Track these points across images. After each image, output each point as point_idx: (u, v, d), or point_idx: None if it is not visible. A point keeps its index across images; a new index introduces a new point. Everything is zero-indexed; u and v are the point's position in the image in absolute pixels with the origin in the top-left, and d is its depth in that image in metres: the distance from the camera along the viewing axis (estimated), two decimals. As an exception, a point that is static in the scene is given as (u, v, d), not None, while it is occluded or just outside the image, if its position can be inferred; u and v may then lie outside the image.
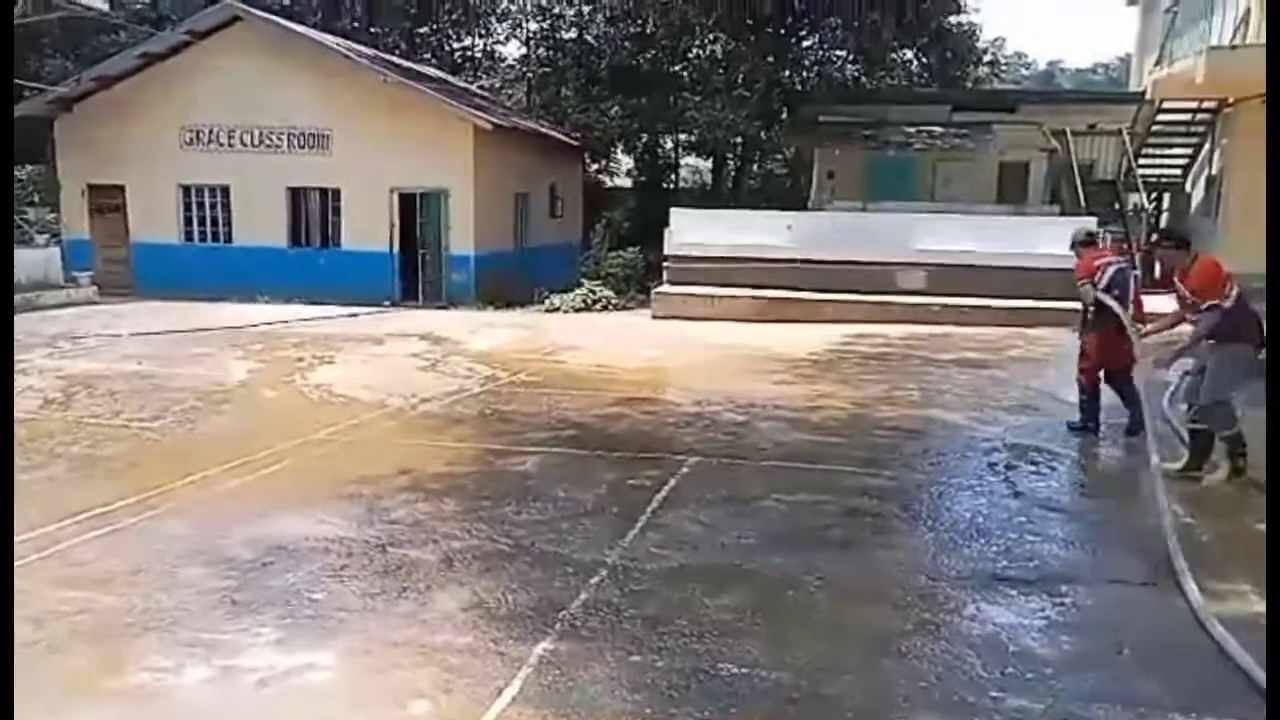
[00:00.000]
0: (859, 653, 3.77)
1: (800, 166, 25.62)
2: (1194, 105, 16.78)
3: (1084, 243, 7.56)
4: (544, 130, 22.78)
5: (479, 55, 30.80)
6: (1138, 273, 8.64)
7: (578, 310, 16.13)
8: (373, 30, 26.88)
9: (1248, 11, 14.18)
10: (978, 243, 15.07)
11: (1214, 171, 17.12)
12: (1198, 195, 18.00)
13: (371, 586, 4.32)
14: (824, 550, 4.84)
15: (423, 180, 17.60)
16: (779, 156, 29.74)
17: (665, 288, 15.99)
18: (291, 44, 17.68)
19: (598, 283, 17.34)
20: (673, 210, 17.04)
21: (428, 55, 27.95)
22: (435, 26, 29.10)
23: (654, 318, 15.02)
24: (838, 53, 26.10)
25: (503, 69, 31.63)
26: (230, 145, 17.97)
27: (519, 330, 13.66)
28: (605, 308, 16.46)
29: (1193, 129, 17.27)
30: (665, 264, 16.51)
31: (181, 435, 7.26)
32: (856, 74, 25.65)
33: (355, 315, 15.40)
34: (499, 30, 30.64)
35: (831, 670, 3.63)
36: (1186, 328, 6.41)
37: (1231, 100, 15.76)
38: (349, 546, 4.79)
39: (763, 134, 23.36)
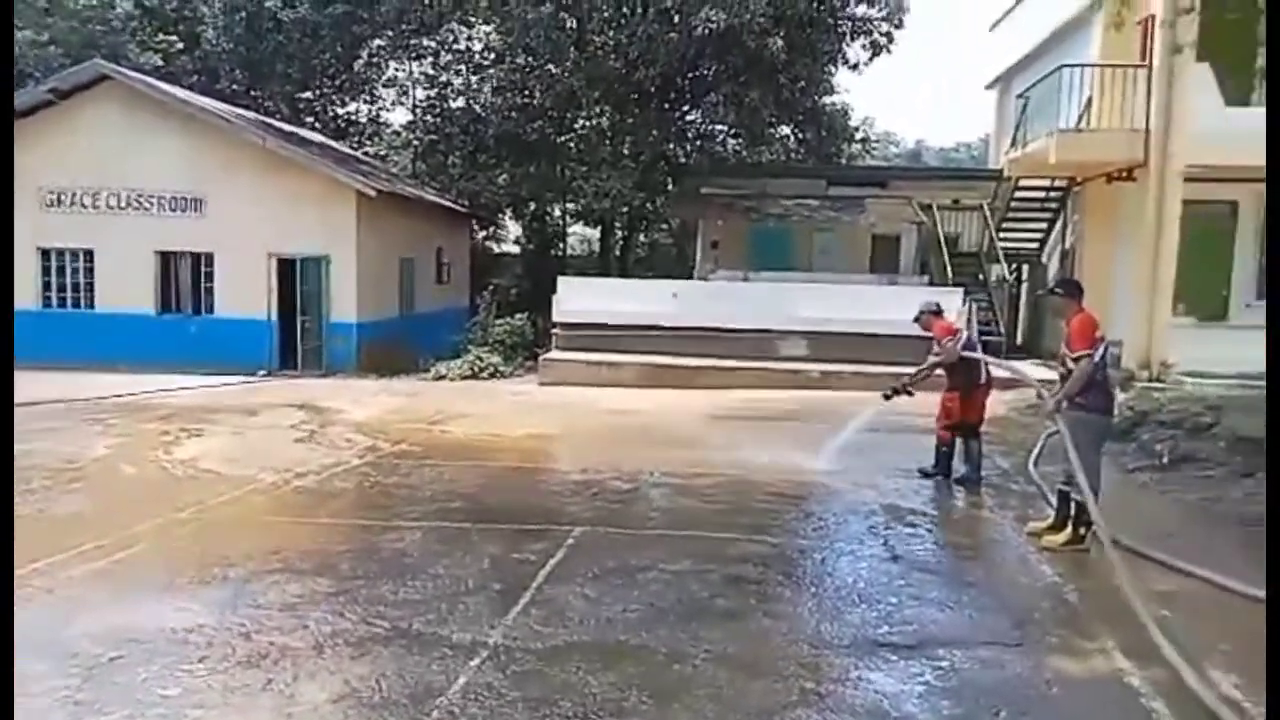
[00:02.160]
0: (744, 728, 3.73)
1: (685, 236, 26.19)
2: (1047, 183, 18.01)
3: (934, 313, 8.30)
4: (430, 197, 22.69)
5: (364, 121, 30.57)
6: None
7: (465, 378, 15.89)
8: (253, 93, 26.38)
9: (1089, 99, 15.40)
10: (854, 311, 15.63)
11: (1067, 245, 18.34)
12: (1053, 267, 19.21)
13: (232, 679, 4.03)
14: (709, 621, 4.80)
15: (303, 246, 17.19)
16: (665, 226, 30.37)
17: (553, 354, 15.96)
18: (161, 105, 17.14)
19: (485, 349, 17.17)
20: (560, 278, 17.14)
21: (311, 120, 27.56)
22: (319, 92, 28.78)
23: (541, 384, 14.93)
24: (719, 127, 26.98)
25: (388, 135, 31.45)
26: (95, 207, 17.21)
27: (403, 399, 13.33)
28: (493, 375, 16.28)
29: (1046, 205, 18.49)
30: (553, 331, 16.53)
31: (27, 517, 6.71)
32: (738, 148, 26.54)
33: (229, 385, 14.76)
34: (385, 97, 30.54)
35: (717, 747, 3.57)
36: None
37: (1080, 180, 17.00)
38: (209, 635, 4.48)
39: (648, 205, 23.84)
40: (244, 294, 17.20)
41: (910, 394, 8.36)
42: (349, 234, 17.26)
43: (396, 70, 29.71)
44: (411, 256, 20.57)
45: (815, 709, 3.86)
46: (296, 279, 17.33)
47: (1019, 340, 19.77)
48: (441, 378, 15.88)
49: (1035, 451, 9.19)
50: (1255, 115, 14.07)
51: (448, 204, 23.67)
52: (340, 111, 29.80)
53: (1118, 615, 5.02)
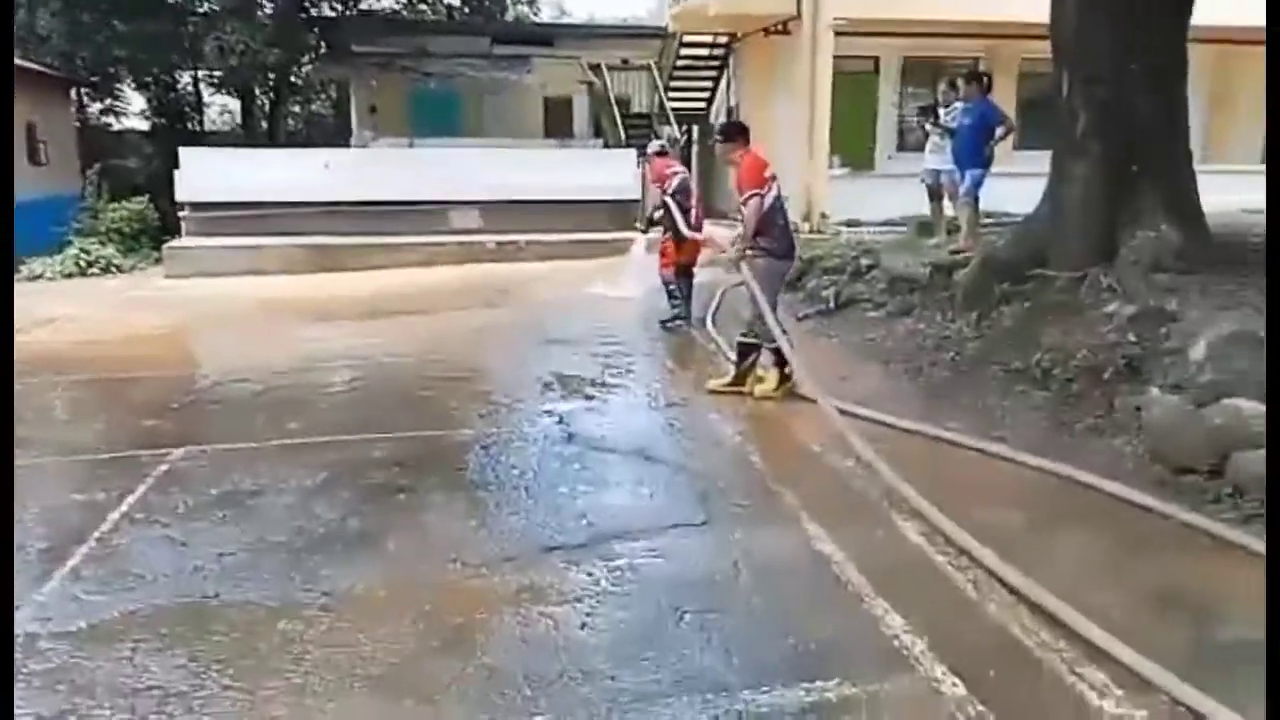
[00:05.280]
0: (366, 703, 2.80)
1: (346, 106, 23.60)
2: (710, 40, 17.83)
3: (658, 152, 8.64)
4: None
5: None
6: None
7: (68, 276, 13.13)
8: None
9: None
10: (528, 177, 14.66)
11: (731, 103, 18.46)
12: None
13: None
14: (335, 552, 3.78)
15: None
16: (325, 96, 27.32)
17: (181, 241, 13.59)
18: None
19: (93, 241, 14.29)
20: (182, 150, 14.51)
21: None
22: None
23: (169, 278, 12.66)
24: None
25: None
26: None
27: (-25, 307, 10.60)
28: (107, 269, 13.59)
29: (710, 63, 18.39)
30: (180, 214, 14.05)
31: None
32: (395, 7, 24.06)
33: None
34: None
35: (326, 734, 2.63)
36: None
37: (740, 35, 16.95)
38: None
39: (292, 66, 20.99)
40: None
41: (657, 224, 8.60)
42: (-117, 103, 13.36)
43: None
44: (-12, 133, 16.61)
45: (465, 657, 3.01)
46: None
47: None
48: (37, 278, 13.01)
49: (712, 307, 8.93)
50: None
51: (35, 68, 19.36)
52: None
53: (801, 474, 4.66)
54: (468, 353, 7.64)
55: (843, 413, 5.18)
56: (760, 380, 6.18)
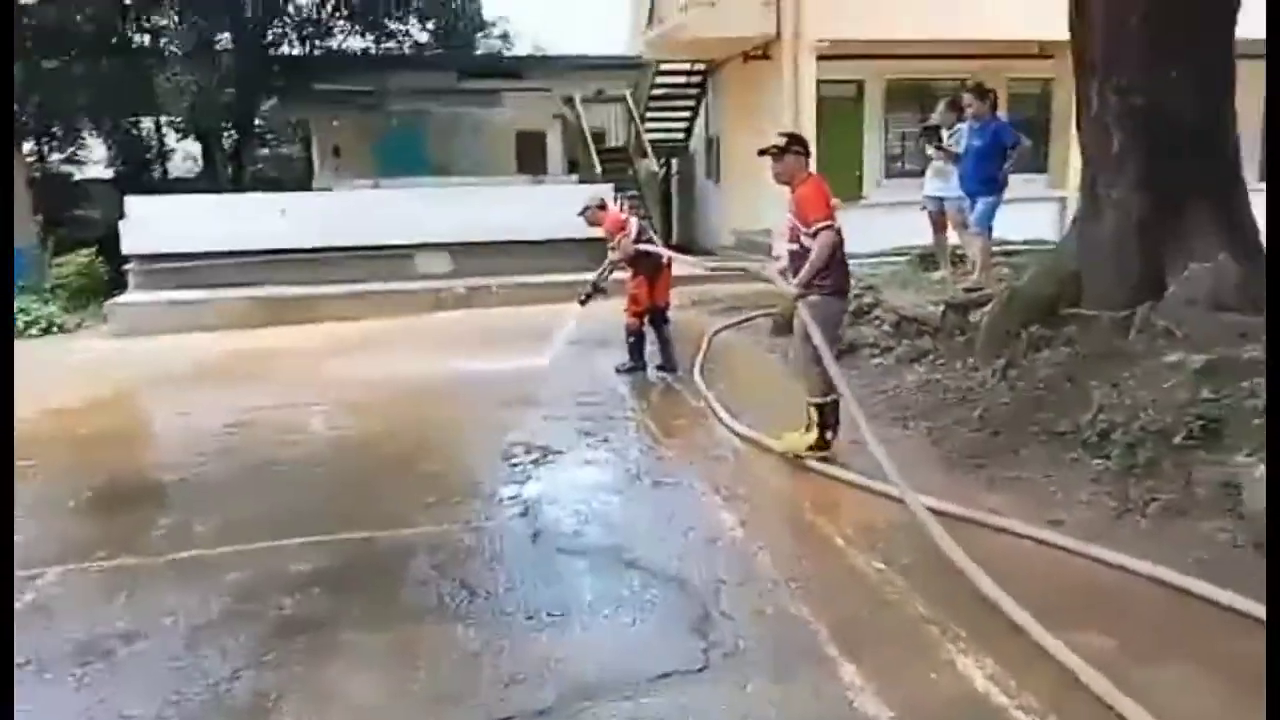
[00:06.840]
0: None
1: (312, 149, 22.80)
2: (687, 68, 17.16)
3: (600, 207, 8.04)
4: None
5: None
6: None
7: (2, 339, 12.10)
8: None
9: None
10: (499, 217, 13.81)
11: (710, 133, 17.75)
12: (700, 158, 18.64)
13: None
14: (212, 735, 2.83)
15: None
16: (292, 139, 26.50)
17: (125, 297, 12.66)
18: None
19: (35, 299, 13.30)
20: (128, 198, 13.61)
21: None
22: None
23: (113, 336, 11.69)
24: (339, 23, 23.51)
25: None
26: None
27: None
28: (48, 330, 12.61)
29: (688, 91, 17.71)
30: (127, 267, 13.12)
31: None
32: (365, 44, 23.34)
33: None
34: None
35: None
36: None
37: (718, 62, 16.27)
38: None
39: (256, 107, 20.19)
40: None
41: (604, 291, 8.02)
42: None
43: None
44: (-71, 186, 15.68)
45: None
46: None
47: (674, 237, 19.14)
48: (-33, 342, 11.97)
49: (699, 357, 8.07)
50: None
51: (-18, 117, 18.45)
52: None
53: (824, 584, 3.74)
54: (425, 421, 6.69)
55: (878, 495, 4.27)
56: (805, 431, 5.27)
